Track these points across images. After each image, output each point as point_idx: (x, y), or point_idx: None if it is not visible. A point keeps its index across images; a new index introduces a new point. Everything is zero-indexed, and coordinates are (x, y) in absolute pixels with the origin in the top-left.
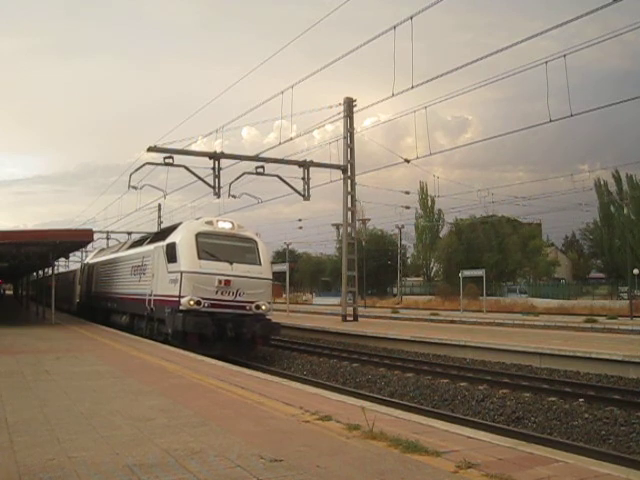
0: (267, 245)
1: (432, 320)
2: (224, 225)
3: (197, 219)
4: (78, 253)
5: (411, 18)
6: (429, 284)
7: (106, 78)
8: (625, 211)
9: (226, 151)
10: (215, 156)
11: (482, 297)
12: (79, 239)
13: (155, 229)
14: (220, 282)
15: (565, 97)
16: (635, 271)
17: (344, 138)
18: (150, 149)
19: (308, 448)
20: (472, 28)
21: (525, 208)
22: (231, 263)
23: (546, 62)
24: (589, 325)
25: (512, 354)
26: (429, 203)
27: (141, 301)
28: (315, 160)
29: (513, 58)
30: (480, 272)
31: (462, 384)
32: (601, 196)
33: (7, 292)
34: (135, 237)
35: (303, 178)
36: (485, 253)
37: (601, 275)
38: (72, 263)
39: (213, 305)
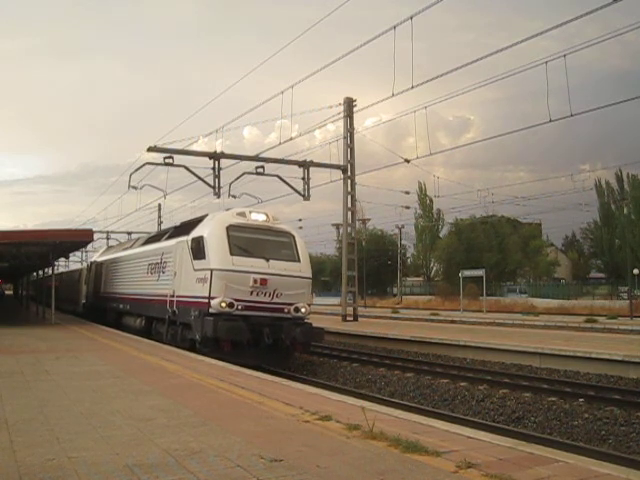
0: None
1: (432, 320)
2: (258, 217)
3: (227, 210)
4: (78, 253)
5: (411, 18)
6: (429, 284)
7: (106, 78)
8: (625, 211)
9: (228, 151)
10: (215, 156)
11: (482, 297)
12: (79, 239)
13: (155, 229)
14: (256, 281)
15: (565, 97)
16: (635, 271)
17: (344, 138)
18: (150, 149)
19: (308, 448)
20: (473, 28)
21: (525, 208)
22: (267, 260)
23: (546, 62)
24: (589, 325)
25: (512, 354)
26: (428, 203)
27: (160, 302)
28: (316, 160)
29: (513, 58)
30: (480, 272)
31: (462, 384)
32: (601, 196)
33: (7, 292)
34: (135, 236)
35: (303, 178)
36: (485, 253)
37: (601, 275)
38: (72, 263)
39: (247, 307)
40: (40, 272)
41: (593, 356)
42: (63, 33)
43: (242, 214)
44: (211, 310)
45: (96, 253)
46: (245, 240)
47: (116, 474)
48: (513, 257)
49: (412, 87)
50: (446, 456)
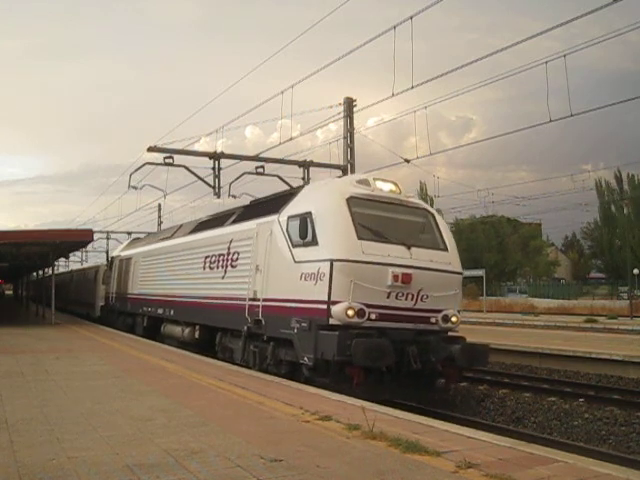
0: None
1: None
2: (385, 186)
3: (339, 177)
4: (78, 253)
5: (411, 18)
6: None
7: (107, 78)
8: (625, 211)
9: (230, 150)
10: (215, 156)
11: (482, 297)
12: (79, 239)
13: (155, 229)
14: (396, 278)
15: (566, 97)
16: (635, 271)
17: (344, 138)
18: (150, 149)
19: (308, 448)
20: (475, 29)
21: (525, 208)
22: (408, 247)
23: (546, 62)
24: (589, 325)
25: (512, 354)
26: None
27: (232, 308)
28: (317, 160)
29: (517, 58)
30: (480, 272)
31: (462, 384)
32: (601, 196)
33: (7, 292)
34: (135, 236)
35: (303, 178)
36: (485, 253)
37: (601, 275)
38: (72, 263)
39: (383, 316)
40: (40, 272)
41: (593, 356)
42: (63, 33)
43: (364, 182)
44: (332, 320)
45: (118, 247)
46: (374, 219)
47: (116, 474)
48: (513, 257)
49: (412, 87)
50: (446, 456)
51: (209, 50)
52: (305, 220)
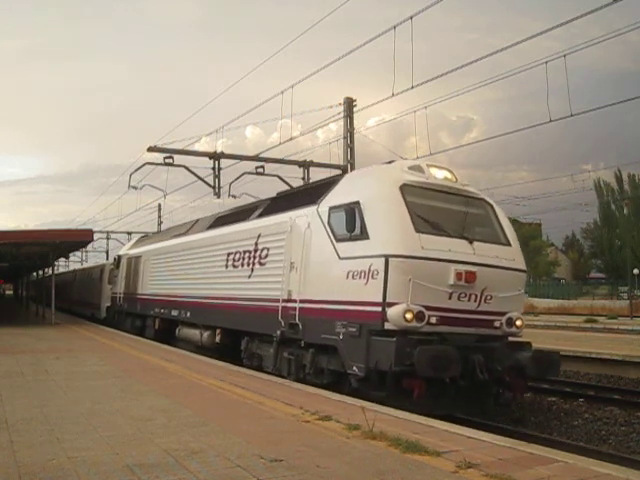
0: None
1: None
2: (439, 173)
3: (388, 163)
4: (78, 253)
5: (411, 18)
6: None
7: (107, 78)
8: (625, 211)
9: (230, 150)
10: (215, 156)
11: None
12: (79, 239)
13: (155, 229)
14: (459, 276)
15: (566, 97)
16: (635, 271)
17: (344, 138)
18: (150, 149)
19: (308, 448)
20: (476, 29)
21: (525, 208)
22: (470, 242)
23: (546, 62)
24: (589, 325)
25: None
26: None
27: (262, 310)
28: (318, 160)
29: (517, 58)
30: None
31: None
32: (601, 196)
33: (7, 292)
34: (136, 236)
35: (303, 178)
36: None
37: (601, 275)
38: (72, 263)
39: (444, 320)
40: (41, 272)
41: (593, 356)
42: (63, 33)
43: (417, 168)
44: (387, 325)
45: (125, 245)
46: (431, 210)
47: (116, 474)
48: None
49: (412, 87)
50: (446, 456)
51: (209, 50)
52: (352, 211)
